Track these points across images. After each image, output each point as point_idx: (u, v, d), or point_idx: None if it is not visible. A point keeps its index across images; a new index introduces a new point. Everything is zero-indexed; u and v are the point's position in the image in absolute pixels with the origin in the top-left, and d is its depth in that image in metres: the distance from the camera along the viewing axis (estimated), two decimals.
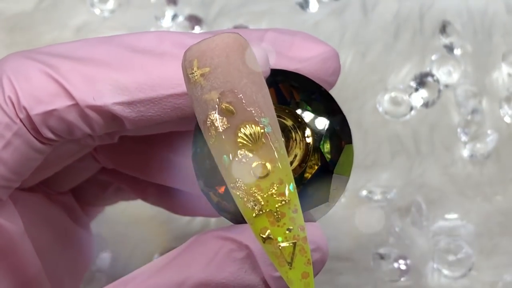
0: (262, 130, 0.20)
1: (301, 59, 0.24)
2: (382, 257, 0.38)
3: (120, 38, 0.24)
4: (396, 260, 0.38)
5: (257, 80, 0.21)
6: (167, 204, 0.32)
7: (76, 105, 0.23)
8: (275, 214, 0.21)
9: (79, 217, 0.32)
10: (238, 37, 0.21)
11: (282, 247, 0.21)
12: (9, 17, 0.42)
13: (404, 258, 0.38)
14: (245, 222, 0.23)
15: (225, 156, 0.20)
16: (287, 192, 0.21)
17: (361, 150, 0.40)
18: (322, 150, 0.23)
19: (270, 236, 0.21)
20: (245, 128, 0.20)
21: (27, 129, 0.23)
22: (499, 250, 0.39)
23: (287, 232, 0.21)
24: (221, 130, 0.20)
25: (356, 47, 0.41)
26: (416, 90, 0.41)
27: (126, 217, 0.39)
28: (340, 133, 0.24)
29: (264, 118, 0.20)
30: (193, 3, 0.42)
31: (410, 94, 0.41)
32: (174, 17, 0.41)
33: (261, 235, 0.21)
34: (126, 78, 0.23)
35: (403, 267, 0.38)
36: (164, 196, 0.32)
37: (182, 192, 0.31)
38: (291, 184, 0.21)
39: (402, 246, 0.38)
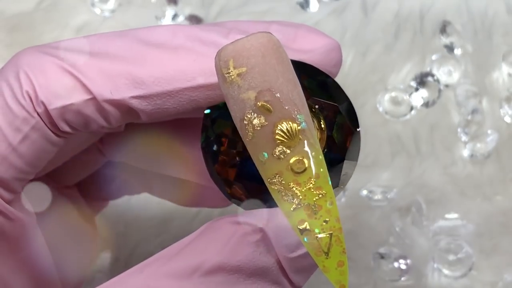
0: (298, 127, 0.21)
1: (305, 50, 0.25)
2: (382, 256, 0.38)
3: (134, 32, 0.24)
4: (396, 260, 0.38)
5: (291, 78, 0.21)
6: (172, 195, 0.33)
7: (94, 99, 0.23)
8: (312, 207, 0.22)
9: (84, 211, 0.32)
10: (272, 37, 0.21)
11: (319, 238, 0.22)
12: (9, 17, 0.42)
13: (404, 258, 0.38)
14: (256, 208, 0.24)
15: (264, 153, 0.21)
16: (323, 186, 0.22)
17: (361, 150, 0.40)
18: (334, 137, 0.24)
19: (308, 228, 0.22)
20: (282, 125, 0.21)
21: (44, 123, 0.24)
22: (499, 250, 0.39)
23: (324, 223, 0.22)
24: (258, 128, 0.21)
25: (356, 47, 0.41)
26: (416, 90, 0.41)
27: (126, 217, 0.39)
28: (349, 120, 0.24)
29: (300, 115, 0.21)
30: (194, 3, 0.42)
31: (410, 94, 0.41)
32: (175, 17, 0.42)
33: (298, 227, 0.22)
34: (142, 72, 0.23)
35: (403, 266, 0.38)
36: (170, 187, 0.32)
37: (189, 183, 0.31)
38: (327, 177, 0.22)
39: (402, 246, 0.38)
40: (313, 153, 0.21)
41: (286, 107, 0.21)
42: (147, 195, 0.38)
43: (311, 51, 0.25)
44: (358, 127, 0.25)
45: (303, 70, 0.24)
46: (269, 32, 0.22)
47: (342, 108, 0.24)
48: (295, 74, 0.22)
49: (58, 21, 0.42)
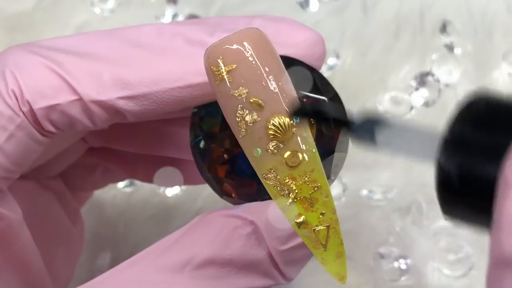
0: (291, 121, 0.21)
1: (289, 44, 0.25)
2: (382, 256, 0.38)
3: (120, 32, 0.24)
4: (397, 260, 0.38)
5: (281, 72, 0.22)
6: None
7: (80, 100, 0.23)
8: (308, 200, 0.22)
9: (69, 203, 0.32)
10: (260, 32, 0.22)
11: (316, 230, 0.22)
12: (9, 16, 0.42)
13: (405, 258, 0.38)
14: (244, 202, 0.24)
15: (258, 148, 0.22)
16: (318, 179, 0.22)
17: (361, 149, 0.40)
18: (323, 130, 0.24)
19: (305, 221, 0.22)
20: (274, 120, 0.21)
21: (30, 122, 0.24)
22: None
23: (320, 216, 0.22)
24: (251, 124, 0.21)
25: (356, 46, 0.41)
26: (417, 89, 0.41)
27: (126, 217, 0.39)
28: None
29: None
30: (193, 2, 0.42)
31: (410, 94, 0.41)
32: (174, 16, 0.42)
33: (295, 220, 0.22)
34: (129, 73, 0.23)
35: (403, 266, 0.38)
36: (154, 169, 0.32)
37: (173, 161, 0.31)
38: (322, 170, 0.22)
39: (402, 246, 0.38)
40: (307, 147, 0.22)
41: (278, 102, 0.21)
42: (148, 195, 0.38)
43: (295, 45, 0.25)
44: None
45: (289, 63, 0.24)
46: (257, 28, 0.22)
47: (332, 101, 0.24)
48: (285, 68, 0.22)
49: (57, 21, 0.42)
